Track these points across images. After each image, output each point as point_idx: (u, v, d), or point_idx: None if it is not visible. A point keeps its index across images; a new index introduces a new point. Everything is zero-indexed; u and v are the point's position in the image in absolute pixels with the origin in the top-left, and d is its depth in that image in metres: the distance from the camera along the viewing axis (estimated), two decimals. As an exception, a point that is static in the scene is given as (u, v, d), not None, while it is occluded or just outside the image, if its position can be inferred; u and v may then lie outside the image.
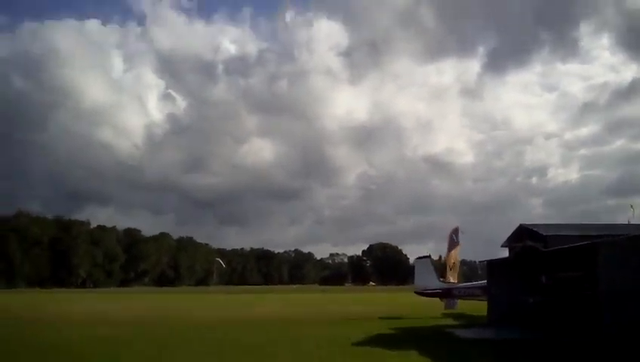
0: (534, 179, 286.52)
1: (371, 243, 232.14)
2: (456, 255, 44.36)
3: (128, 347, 21.31)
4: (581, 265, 21.29)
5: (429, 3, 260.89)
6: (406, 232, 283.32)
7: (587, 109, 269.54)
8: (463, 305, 41.29)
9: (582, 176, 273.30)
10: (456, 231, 44.43)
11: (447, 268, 43.64)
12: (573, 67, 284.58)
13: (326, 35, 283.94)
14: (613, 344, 17.27)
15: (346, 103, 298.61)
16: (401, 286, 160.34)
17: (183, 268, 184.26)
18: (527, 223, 26.43)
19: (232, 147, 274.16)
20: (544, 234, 23.61)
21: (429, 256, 41.87)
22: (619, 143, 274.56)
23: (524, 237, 25.43)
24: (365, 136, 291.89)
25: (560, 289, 24.26)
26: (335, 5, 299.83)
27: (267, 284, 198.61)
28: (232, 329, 28.80)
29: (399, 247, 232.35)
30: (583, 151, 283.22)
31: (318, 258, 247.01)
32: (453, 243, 43.90)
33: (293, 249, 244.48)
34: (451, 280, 42.00)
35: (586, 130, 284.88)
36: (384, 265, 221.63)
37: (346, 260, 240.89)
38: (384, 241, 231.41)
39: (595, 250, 18.42)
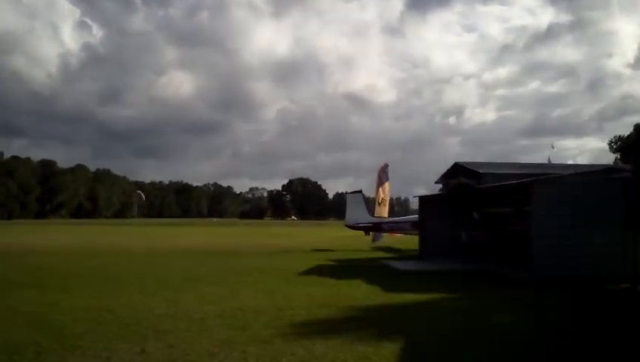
0: (452, 119, 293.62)
1: (291, 178, 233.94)
2: (385, 191, 45.66)
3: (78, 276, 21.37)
4: (514, 201, 22.64)
5: None
6: (325, 168, 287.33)
7: (505, 51, 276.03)
8: (391, 240, 42.92)
9: (498, 117, 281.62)
10: (385, 168, 45.71)
11: (376, 203, 44.97)
12: (493, 9, 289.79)
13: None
14: (540, 274, 18.64)
15: (268, 37, 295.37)
16: (321, 221, 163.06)
17: (100, 201, 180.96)
18: (462, 161, 27.57)
19: (150, 79, 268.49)
20: (480, 171, 24.76)
21: (361, 191, 43.03)
22: (534, 85, 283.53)
23: (458, 174, 26.54)
24: (286, 72, 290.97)
25: (491, 225, 25.72)
26: None
27: (186, 218, 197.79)
28: (166, 259, 29.17)
29: (319, 183, 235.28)
30: (500, 92, 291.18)
31: (238, 192, 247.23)
32: (381, 180, 45.21)
33: (212, 183, 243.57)
34: (381, 215, 43.39)
35: (503, 71, 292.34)
36: (304, 200, 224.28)
37: (265, 195, 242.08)
38: (304, 176, 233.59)
39: (529, 187, 19.67)
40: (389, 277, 21.78)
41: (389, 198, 46.33)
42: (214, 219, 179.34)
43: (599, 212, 18.83)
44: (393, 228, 40.64)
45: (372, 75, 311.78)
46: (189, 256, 31.58)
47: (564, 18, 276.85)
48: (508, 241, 23.68)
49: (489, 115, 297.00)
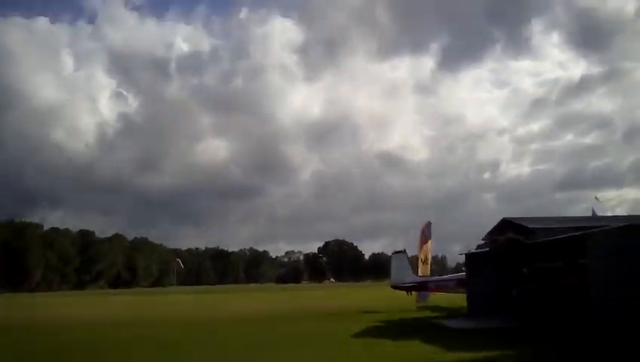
0: (487, 174, 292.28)
1: (326, 240, 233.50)
2: (428, 249, 45.71)
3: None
4: (567, 255, 22.69)
5: (384, 1, 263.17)
6: (360, 229, 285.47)
7: (538, 105, 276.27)
8: (435, 299, 42.69)
9: (533, 171, 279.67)
10: (428, 226, 45.89)
11: (420, 262, 45.01)
12: (524, 64, 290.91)
13: (280, 32, 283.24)
14: (600, 331, 18.58)
15: (301, 101, 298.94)
16: (359, 282, 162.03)
17: (139, 269, 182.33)
18: (510, 216, 27.73)
19: (185, 146, 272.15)
20: (529, 226, 24.87)
21: (405, 251, 43.05)
22: (568, 138, 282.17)
23: (507, 230, 26.66)
24: (320, 134, 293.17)
25: (541, 280, 25.69)
26: (289, 3, 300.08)
27: (223, 284, 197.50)
28: (227, 329, 29.42)
29: (355, 244, 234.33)
30: (533, 146, 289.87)
31: (274, 256, 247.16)
32: (424, 237, 45.34)
33: (248, 247, 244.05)
34: (424, 274, 43.36)
35: (536, 126, 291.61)
36: (340, 261, 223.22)
37: (301, 258, 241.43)
38: (340, 238, 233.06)
39: (584, 241, 19.78)
40: (445, 336, 21.82)
41: (430, 257, 46.36)
42: (252, 285, 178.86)
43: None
44: (438, 286, 40.53)
45: (405, 134, 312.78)
46: (246, 324, 31.79)
47: (597, 70, 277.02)
48: (560, 295, 23.63)
49: (524, 169, 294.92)
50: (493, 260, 29.51)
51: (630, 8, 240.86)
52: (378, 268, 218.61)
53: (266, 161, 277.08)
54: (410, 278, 40.41)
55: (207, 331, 27.54)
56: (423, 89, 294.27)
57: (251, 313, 40.90)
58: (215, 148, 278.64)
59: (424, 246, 45.28)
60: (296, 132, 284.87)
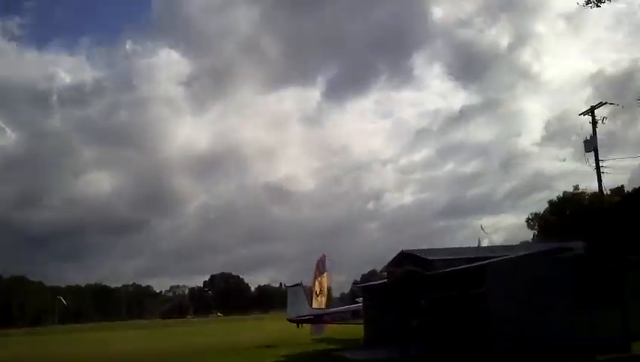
0: (371, 204, 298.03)
1: (213, 273, 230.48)
2: (324, 282, 45.95)
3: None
4: (466, 285, 23.44)
5: (271, 33, 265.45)
6: (247, 261, 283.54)
7: (420, 135, 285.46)
8: (329, 330, 42.82)
9: (415, 200, 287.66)
10: (323, 259, 46.21)
11: (314, 295, 45.11)
12: (407, 95, 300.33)
13: (167, 63, 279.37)
14: (499, 358, 19.31)
15: (187, 133, 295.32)
16: (246, 316, 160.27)
17: (14, 308, 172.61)
18: (408, 249, 28.38)
19: (67, 180, 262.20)
20: (429, 258, 25.54)
21: (300, 284, 43.10)
22: (449, 167, 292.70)
23: (405, 262, 27.25)
24: (206, 166, 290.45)
25: (443, 309, 26.40)
26: (176, 34, 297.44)
27: (106, 321, 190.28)
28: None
29: (241, 276, 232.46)
30: (416, 176, 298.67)
31: (158, 291, 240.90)
32: (319, 270, 45.59)
33: (131, 283, 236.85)
34: (320, 306, 43.46)
35: (419, 156, 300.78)
36: (226, 295, 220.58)
37: (187, 292, 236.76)
38: (225, 271, 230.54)
39: (483, 271, 20.56)
40: None
41: (326, 289, 46.64)
42: (137, 322, 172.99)
43: (551, 290, 19.80)
44: (334, 318, 40.76)
45: (291, 166, 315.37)
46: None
47: (475, 100, 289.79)
48: (460, 324, 24.34)
49: (406, 198, 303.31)
50: (391, 291, 30.04)
51: (504, 42, 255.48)
52: (264, 300, 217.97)
53: (151, 194, 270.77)
54: (306, 311, 40.40)
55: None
56: (309, 120, 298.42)
57: (143, 351, 39.55)
58: (98, 182, 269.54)
59: (319, 279, 45.46)
60: (183, 164, 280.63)
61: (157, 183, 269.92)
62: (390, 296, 30.18)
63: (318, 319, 40.61)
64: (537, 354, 18.96)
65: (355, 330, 37.87)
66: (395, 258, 28.56)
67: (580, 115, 47.07)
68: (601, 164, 44.47)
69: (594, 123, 45.30)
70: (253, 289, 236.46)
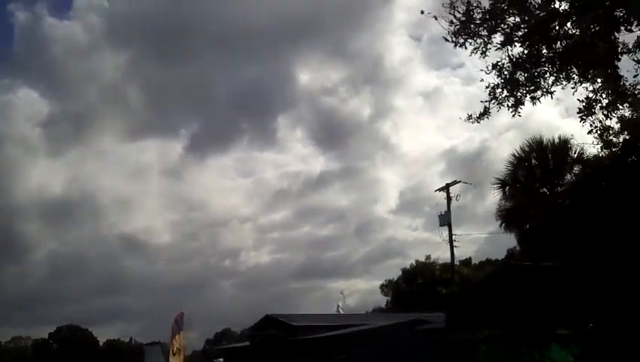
0: (227, 261, 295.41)
1: (60, 324, 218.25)
2: (181, 340, 45.44)
3: None
4: (329, 352, 24.44)
5: (136, 83, 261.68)
6: (97, 313, 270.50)
7: (280, 196, 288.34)
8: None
9: (272, 259, 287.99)
10: (181, 317, 45.68)
11: (171, 354, 44.42)
12: (269, 156, 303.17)
13: (25, 103, 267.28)
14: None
15: (41, 176, 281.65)
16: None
17: None
18: (273, 314, 29.09)
19: None
20: (294, 324, 26.36)
21: (160, 342, 42.40)
22: (305, 229, 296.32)
23: (270, 326, 27.94)
24: (59, 212, 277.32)
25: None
26: (37, 74, 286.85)
27: None
28: None
29: (89, 329, 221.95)
30: (274, 235, 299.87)
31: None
32: (177, 328, 45.08)
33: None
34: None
35: (277, 216, 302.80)
36: (73, 348, 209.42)
37: (29, 344, 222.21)
38: (74, 323, 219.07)
39: (348, 339, 21.67)
40: None
41: (183, 348, 46.12)
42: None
43: (410, 359, 21.12)
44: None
45: (148, 217, 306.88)
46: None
47: (334, 166, 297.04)
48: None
49: (263, 257, 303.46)
50: (254, 354, 30.48)
51: (365, 113, 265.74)
52: (113, 355, 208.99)
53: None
54: (164, 370, 39.80)
55: None
56: (170, 172, 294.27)
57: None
58: None
59: (177, 337, 44.94)
60: (33, 208, 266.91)
61: (3, 227, 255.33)
62: (253, 358, 30.63)
63: (175, 379, 40.07)
64: None
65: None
66: (260, 321, 29.19)
67: (435, 190, 50.22)
68: (452, 238, 47.60)
69: (448, 199, 48.40)
70: (101, 343, 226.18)
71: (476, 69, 15.01)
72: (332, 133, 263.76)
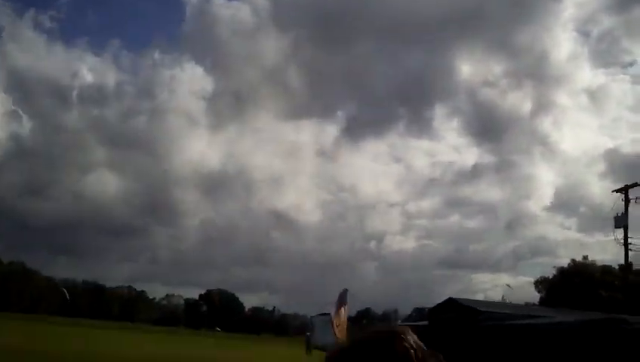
0: (372, 244, 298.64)
1: (209, 287, 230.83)
2: (343, 315, 47.39)
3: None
4: (520, 341, 24.80)
5: (297, 65, 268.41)
6: (243, 281, 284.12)
7: (431, 184, 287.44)
8: None
9: (417, 246, 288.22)
10: (344, 293, 47.74)
11: (334, 326, 46.38)
12: (423, 143, 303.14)
13: (190, 77, 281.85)
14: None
15: (201, 149, 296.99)
16: (240, 334, 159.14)
17: (12, 295, 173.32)
18: (457, 297, 29.78)
19: (75, 175, 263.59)
20: (479, 309, 26.78)
21: (329, 314, 44.47)
22: (454, 218, 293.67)
23: (452, 309, 28.50)
24: (215, 183, 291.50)
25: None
26: (203, 50, 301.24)
27: (97, 319, 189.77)
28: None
29: (236, 295, 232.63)
30: (421, 222, 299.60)
31: (152, 297, 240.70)
32: (340, 303, 47.10)
33: (127, 285, 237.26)
34: (339, 338, 44.75)
35: (426, 203, 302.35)
36: (221, 311, 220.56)
37: (182, 302, 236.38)
38: (222, 288, 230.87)
39: (546, 329, 21.96)
40: None
41: (346, 321, 47.99)
42: (130, 324, 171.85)
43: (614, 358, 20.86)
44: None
45: (299, 195, 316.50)
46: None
47: (488, 159, 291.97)
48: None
49: (409, 243, 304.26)
50: (433, 334, 31.05)
51: (526, 107, 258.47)
52: (256, 321, 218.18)
53: (156, 203, 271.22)
54: (333, 341, 41.67)
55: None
56: (324, 154, 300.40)
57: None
58: (105, 182, 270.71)
59: (339, 311, 46.88)
60: (191, 178, 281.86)
61: (164, 192, 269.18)
62: (428, 339, 31.17)
63: (343, 350, 41.86)
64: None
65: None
66: (442, 303, 29.82)
67: (613, 191, 49.03)
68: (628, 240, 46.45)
69: (626, 200, 47.04)
70: (247, 309, 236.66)
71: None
72: (489, 125, 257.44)
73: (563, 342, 21.44)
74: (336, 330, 46.01)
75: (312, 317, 45.56)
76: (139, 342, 59.87)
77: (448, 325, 28.98)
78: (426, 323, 32.76)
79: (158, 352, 43.95)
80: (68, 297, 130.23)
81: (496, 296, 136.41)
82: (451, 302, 29.04)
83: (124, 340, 59.04)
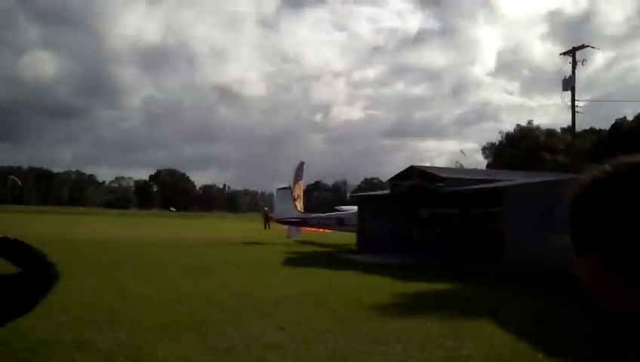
0: (319, 116, 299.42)
1: (156, 168, 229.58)
2: (300, 188, 48.17)
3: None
4: (471, 205, 25.70)
5: None
6: (191, 159, 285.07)
7: (375, 52, 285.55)
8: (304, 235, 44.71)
9: (363, 116, 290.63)
10: (301, 166, 48.42)
11: (293, 200, 47.26)
12: (365, 9, 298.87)
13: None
14: (508, 269, 21.41)
15: (138, 23, 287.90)
16: (193, 213, 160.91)
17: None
18: (418, 165, 30.36)
19: (6, 57, 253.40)
20: (442, 176, 27.38)
21: (289, 187, 45.02)
22: (399, 86, 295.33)
23: (414, 176, 29.05)
24: (155, 59, 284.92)
25: (442, 224, 28.82)
26: None
27: (45, 205, 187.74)
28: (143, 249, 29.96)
29: (187, 174, 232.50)
30: (367, 91, 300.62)
31: (101, 181, 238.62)
32: (298, 177, 47.84)
33: (74, 170, 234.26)
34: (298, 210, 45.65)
35: (371, 72, 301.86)
36: (172, 191, 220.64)
37: (132, 184, 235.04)
38: (170, 167, 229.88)
39: (504, 192, 22.75)
40: (368, 269, 23.25)
41: (303, 193, 48.93)
42: (81, 208, 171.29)
43: (557, 217, 21.84)
44: (320, 224, 42.87)
45: (243, 68, 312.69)
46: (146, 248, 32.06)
47: (433, 24, 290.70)
48: (466, 240, 26.74)
49: (355, 113, 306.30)
50: (390, 203, 31.89)
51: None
52: (208, 199, 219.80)
53: (95, 81, 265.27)
54: (294, 213, 42.51)
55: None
56: (266, 24, 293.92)
57: (139, 237, 40.40)
58: (40, 63, 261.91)
59: (297, 185, 47.64)
60: (131, 54, 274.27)
61: (103, 71, 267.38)
62: (385, 207, 32.00)
63: (303, 222, 42.84)
64: (551, 279, 20.83)
65: (335, 237, 40.58)
66: (404, 172, 30.39)
67: (560, 54, 49.67)
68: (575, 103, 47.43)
69: (574, 63, 47.65)
70: (198, 187, 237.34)
71: None
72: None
73: (524, 201, 22.28)
74: (296, 203, 46.96)
75: (277, 189, 45.64)
76: (101, 225, 59.76)
77: (412, 193, 29.67)
78: (386, 192, 33.52)
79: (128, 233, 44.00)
80: (20, 184, 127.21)
81: (442, 163, 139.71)
82: (413, 170, 29.59)
83: (92, 224, 58.97)
